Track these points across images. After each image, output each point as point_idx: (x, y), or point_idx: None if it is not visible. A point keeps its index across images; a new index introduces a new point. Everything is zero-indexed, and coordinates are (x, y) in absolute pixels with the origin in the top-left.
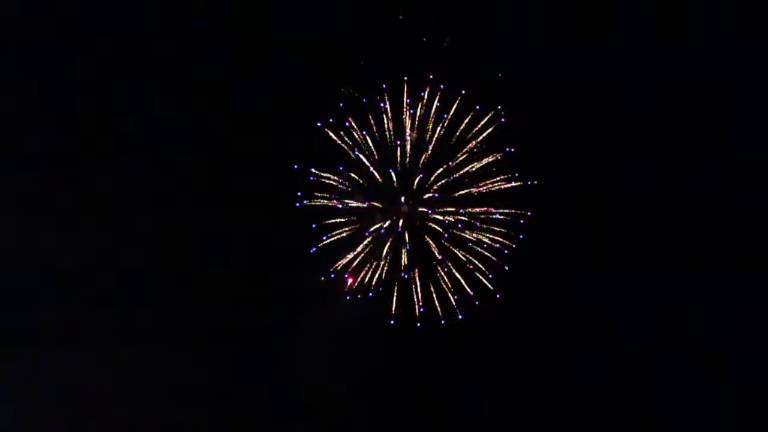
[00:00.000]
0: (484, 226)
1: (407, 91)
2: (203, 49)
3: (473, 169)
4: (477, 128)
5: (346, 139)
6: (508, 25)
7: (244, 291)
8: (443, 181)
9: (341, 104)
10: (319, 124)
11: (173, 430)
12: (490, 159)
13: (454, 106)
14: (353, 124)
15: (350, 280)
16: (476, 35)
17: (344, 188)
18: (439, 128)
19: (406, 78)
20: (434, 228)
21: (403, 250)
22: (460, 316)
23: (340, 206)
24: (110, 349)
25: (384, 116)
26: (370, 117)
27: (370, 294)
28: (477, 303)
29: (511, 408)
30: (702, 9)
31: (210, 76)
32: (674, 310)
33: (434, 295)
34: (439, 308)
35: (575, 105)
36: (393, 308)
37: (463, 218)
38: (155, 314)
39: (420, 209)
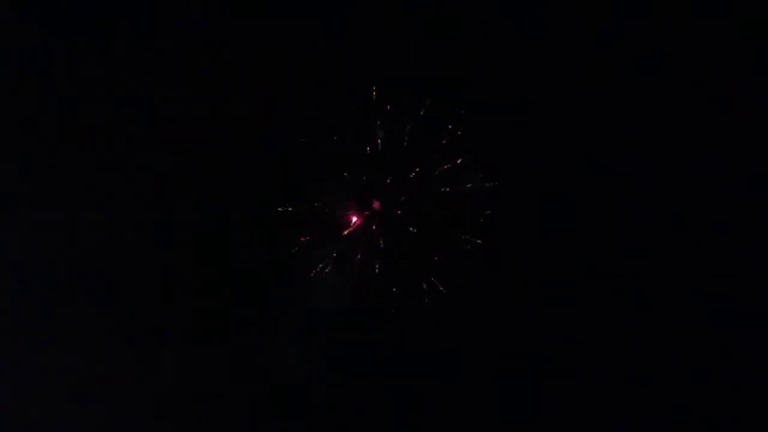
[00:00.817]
0: (458, 225)
1: (376, 90)
2: (203, 49)
3: (446, 167)
4: (450, 126)
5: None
6: (483, 22)
7: (243, 290)
8: (416, 181)
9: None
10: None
11: (173, 430)
12: (465, 158)
13: (426, 104)
14: (321, 125)
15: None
16: (450, 31)
17: (313, 191)
18: (410, 127)
19: (374, 76)
20: (408, 229)
21: (376, 252)
22: (436, 321)
23: (311, 210)
24: (109, 349)
25: (352, 116)
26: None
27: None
28: (450, 297)
29: (502, 404)
30: (702, 9)
31: (210, 76)
32: (674, 310)
33: (409, 300)
34: (414, 310)
35: (554, 102)
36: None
37: (437, 218)
38: (155, 314)
39: (393, 210)
